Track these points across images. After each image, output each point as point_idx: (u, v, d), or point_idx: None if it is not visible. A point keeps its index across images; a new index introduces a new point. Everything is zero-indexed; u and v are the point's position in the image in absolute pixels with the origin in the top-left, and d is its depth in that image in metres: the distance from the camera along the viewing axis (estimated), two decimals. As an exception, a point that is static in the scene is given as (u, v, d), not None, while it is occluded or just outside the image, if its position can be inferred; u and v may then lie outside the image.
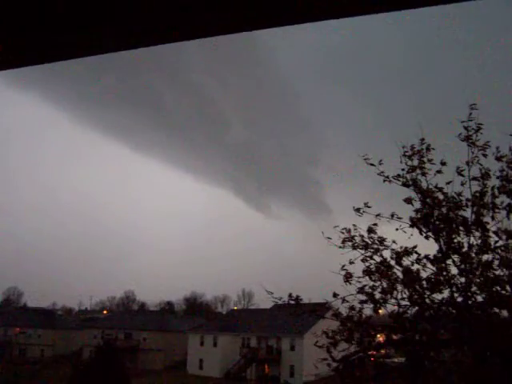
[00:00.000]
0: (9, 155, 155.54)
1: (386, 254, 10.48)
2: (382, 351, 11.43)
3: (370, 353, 10.83)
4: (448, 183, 10.20)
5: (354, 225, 10.71)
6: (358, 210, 10.76)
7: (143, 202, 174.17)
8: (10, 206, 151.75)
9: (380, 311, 10.63)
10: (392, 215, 10.55)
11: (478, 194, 9.98)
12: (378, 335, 11.03)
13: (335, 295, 10.53)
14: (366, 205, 10.71)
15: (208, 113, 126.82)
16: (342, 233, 10.71)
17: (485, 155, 10.02)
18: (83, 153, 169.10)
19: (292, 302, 10.95)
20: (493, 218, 9.86)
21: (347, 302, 10.48)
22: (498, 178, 9.95)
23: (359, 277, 10.42)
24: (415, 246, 10.21)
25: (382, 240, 10.51)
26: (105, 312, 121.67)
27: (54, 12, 1.72)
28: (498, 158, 9.97)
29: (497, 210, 9.85)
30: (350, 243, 10.66)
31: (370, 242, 10.55)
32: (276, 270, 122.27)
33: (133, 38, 1.87)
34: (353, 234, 10.67)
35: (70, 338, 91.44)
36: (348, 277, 10.41)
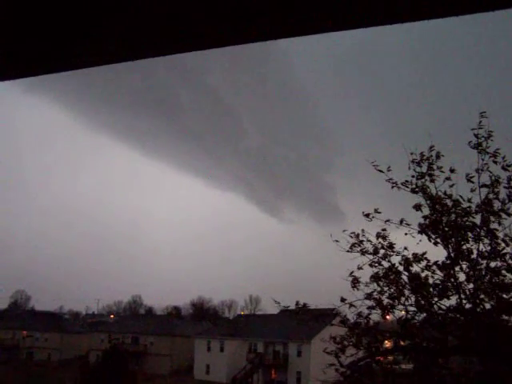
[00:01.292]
0: (20, 159, 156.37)
1: (395, 259, 10.49)
2: (390, 357, 11.43)
3: (377, 359, 10.82)
4: (451, 186, 10.22)
5: (362, 230, 10.72)
6: (367, 215, 10.76)
7: (153, 206, 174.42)
8: (18, 210, 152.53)
9: (388, 317, 10.63)
10: (401, 221, 10.56)
11: (486, 201, 9.98)
12: (386, 341, 11.02)
13: (343, 300, 10.54)
14: (375, 210, 10.71)
15: (224, 117, 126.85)
16: (351, 237, 10.73)
17: (495, 162, 10.03)
18: (93, 157, 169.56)
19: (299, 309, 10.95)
20: (499, 223, 9.86)
21: (355, 307, 10.49)
22: (505, 187, 9.96)
23: (367, 282, 10.43)
24: (425, 253, 10.21)
25: (391, 245, 10.51)
26: (112, 316, 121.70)
27: (57, 21, 1.75)
28: (505, 168, 9.99)
29: (504, 217, 9.85)
30: (358, 248, 10.67)
31: (378, 247, 10.55)
32: (286, 274, 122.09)
33: (136, 49, 1.88)
34: (361, 238, 10.68)
35: (77, 341, 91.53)
36: (355, 282, 10.42)
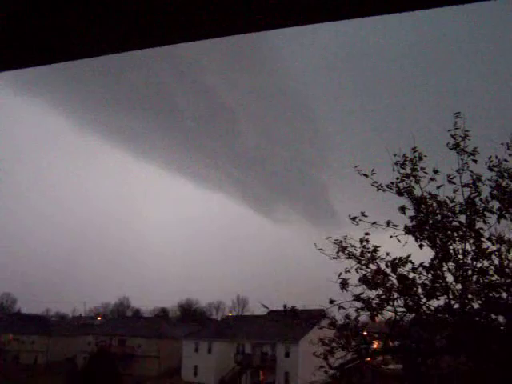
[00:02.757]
0: (13, 161, 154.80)
1: (381, 262, 10.51)
2: (379, 358, 11.45)
3: (366, 360, 10.84)
4: (439, 187, 10.27)
5: (344, 236, 10.78)
6: (353, 218, 10.81)
7: (142, 207, 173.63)
8: (2, 211, 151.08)
9: (377, 318, 10.65)
10: (388, 223, 10.59)
11: (469, 200, 10.05)
12: (375, 342, 11.04)
13: (332, 302, 10.54)
14: (362, 214, 10.75)
15: (219, 117, 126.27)
16: (335, 243, 10.77)
17: (475, 161, 10.12)
18: (83, 157, 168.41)
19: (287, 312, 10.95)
20: (484, 222, 9.93)
21: (344, 308, 10.50)
22: (490, 187, 10.04)
23: (356, 285, 10.45)
24: (409, 256, 10.22)
25: (375, 249, 10.55)
26: (99, 318, 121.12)
27: (56, 11, 1.73)
28: (491, 168, 10.07)
29: (488, 215, 9.92)
30: (342, 254, 10.72)
31: (363, 251, 10.59)
32: (276, 275, 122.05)
33: (134, 39, 1.87)
34: (344, 244, 10.73)
35: (64, 344, 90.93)
36: (344, 284, 10.44)
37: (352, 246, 10.73)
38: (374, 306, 10.28)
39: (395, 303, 10.23)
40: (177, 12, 1.71)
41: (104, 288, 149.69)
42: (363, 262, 10.58)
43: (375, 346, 11.10)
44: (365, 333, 10.70)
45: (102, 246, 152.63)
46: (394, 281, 10.25)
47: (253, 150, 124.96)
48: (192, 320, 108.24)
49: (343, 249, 10.73)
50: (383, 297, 10.21)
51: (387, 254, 10.46)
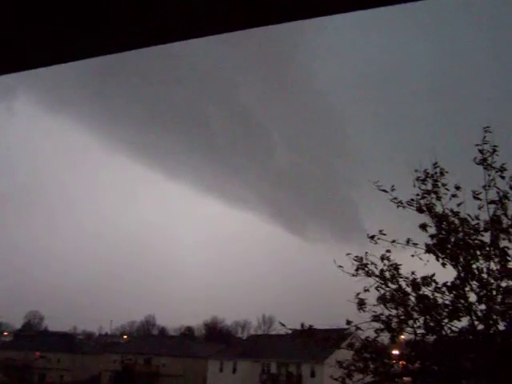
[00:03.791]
0: (37, 177, 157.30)
1: (402, 281, 10.22)
2: (399, 381, 11.08)
3: (386, 383, 10.49)
4: (459, 204, 9.97)
5: (366, 252, 10.53)
6: (372, 237, 10.56)
7: (169, 226, 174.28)
8: (30, 228, 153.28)
9: (397, 340, 10.33)
10: (407, 241, 10.31)
11: (495, 218, 9.72)
12: (395, 365, 10.68)
13: (349, 323, 10.26)
14: (381, 232, 10.50)
15: (253, 135, 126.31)
16: (355, 260, 10.50)
17: (502, 177, 9.80)
18: (110, 175, 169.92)
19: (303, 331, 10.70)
20: (510, 240, 9.59)
21: (361, 330, 10.21)
22: None
23: (374, 305, 10.15)
24: (433, 275, 9.90)
25: (396, 267, 10.26)
26: (125, 336, 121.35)
27: (61, 9, 1.71)
28: None
29: None
30: (362, 271, 10.44)
31: (384, 270, 10.30)
32: (303, 294, 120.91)
33: (140, 36, 1.85)
34: (365, 261, 10.45)
35: (90, 362, 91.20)
36: (361, 304, 10.15)
37: (373, 263, 10.46)
38: (393, 326, 9.98)
39: (415, 324, 9.91)
40: (184, 7, 1.69)
41: (130, 306, 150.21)
42: (383, 280, 10.29)
43: (395, 368, 10.72)
44: (384, 355, 10.35)
45: (130, 264, 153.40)
46: (414, 301, 9.93)
47: (285, 167, 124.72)
48: (217, 339, 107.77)
49: (364, 266, 10.46)
50: (402, 317, 9.89)
51: (412, 272, 10.15)
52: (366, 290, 10.25)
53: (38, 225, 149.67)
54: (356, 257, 10.53)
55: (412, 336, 10.21)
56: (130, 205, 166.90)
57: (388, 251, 10.37)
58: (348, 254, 10.63)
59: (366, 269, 10.47)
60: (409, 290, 10.02)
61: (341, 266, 10.49)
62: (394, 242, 10.36)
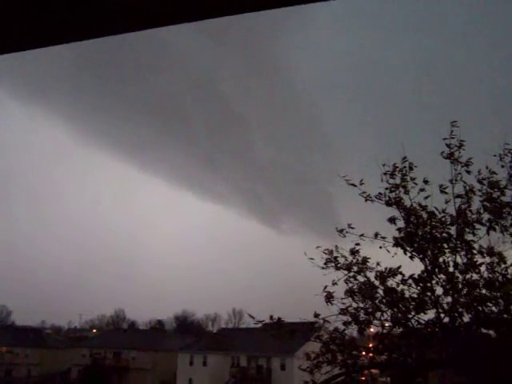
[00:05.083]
0: (10, 172, 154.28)
1: (370, 274, 10.32)
2: (366, 373, 11.20)
3: (353, 375, 10.58)
4: (426, 198, 10.10)
5: (336, 245, 10.60)
6: (341, 231, 10.64)
7: (140, 220, 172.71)
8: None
9: (364, 332, 10.43)
10: (376, 235, 10.41)
11: (461, 211, 9.88)
12: (362, 357, 10.79)
13: (316, 315, 10.32)
14: (349, 226, 10.58)
15: (232, 129, 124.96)
16: (325, 253, 10.57)
17: (468, 172, 9.96)
18: (83, 167, 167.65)
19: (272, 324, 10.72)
20: (474, 234, 9.75)
21: (329, 322, 10.28)
22: (480, 201, 9.89)
23: (342, 298, 10.22)
24: (399, 267, 10.02)
25: (365, 260, 10.35)
26: (94, 331, 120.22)
27: None
28: (480, 181, 9.92)
29: (478, 227, 9.75)
30: (332, 264, 10.51)
31: (353, 263, 10.39)
32: (275, 288, 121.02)
33: (131, 20, 1.82)
34: (335, 254, 10.53)
35: (59, 357, 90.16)
36: (329, 297, 10.22)
37: (343, 256, 10.54)
38: (360, 319, 10.07)
39: (382, 317, 10.01)
40: None
41: (100, 300, 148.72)
42: (352, 273, 10.38)
43: (363, 360, 10.83)
44: (351, 347, 10.44)
45: (99, 257, 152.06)
46: (382, 293, 10.04)
47: (263, 161, 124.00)
48: (188, 332, 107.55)
49: (334, 259, 10.54)
50: (370, 310, 9.99)
51: (377, 263, 10.26)
52: (334, 284, 10.32)
53: (1, 217, 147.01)
54: (326, 250, 10.60)
55: (379, 328, 10.32)
56: (100, 199, 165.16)
57: (357, 244, 10.46)
58: (318, 247, 10.69)
59: (336, 262, 10.55)
60: (377, 283, 10.11)
61: (312, 259, 10.54)
62: (362, 235, 10.45)
